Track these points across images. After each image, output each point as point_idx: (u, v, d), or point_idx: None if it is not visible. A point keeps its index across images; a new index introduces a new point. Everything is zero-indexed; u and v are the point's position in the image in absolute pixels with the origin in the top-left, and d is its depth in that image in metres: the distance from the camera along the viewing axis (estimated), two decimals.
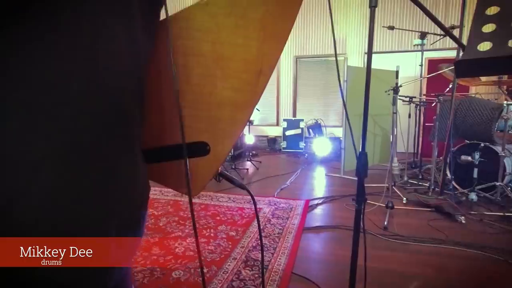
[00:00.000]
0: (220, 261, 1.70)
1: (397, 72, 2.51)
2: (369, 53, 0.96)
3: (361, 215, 1.02)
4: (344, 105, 1.19)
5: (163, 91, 0.49)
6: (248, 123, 5.33)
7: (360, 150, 0.99)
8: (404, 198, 2.83)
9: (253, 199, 0.63)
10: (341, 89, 0.98)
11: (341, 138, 5.88)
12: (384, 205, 2.55)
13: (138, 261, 1.68)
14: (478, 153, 2.56)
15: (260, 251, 1.80)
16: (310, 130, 5.71)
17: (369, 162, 4.00)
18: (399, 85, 2.54)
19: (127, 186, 0.41)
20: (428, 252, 1.92)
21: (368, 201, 2.88)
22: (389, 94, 2.46)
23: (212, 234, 2.07)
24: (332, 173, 4.17)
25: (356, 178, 3.82)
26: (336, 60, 0.90)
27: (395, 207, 2.55)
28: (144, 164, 0.46)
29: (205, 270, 1.59)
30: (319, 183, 3.73)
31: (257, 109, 5.28)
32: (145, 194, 0.47)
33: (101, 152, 0.36)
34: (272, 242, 1.96)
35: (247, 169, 4.37)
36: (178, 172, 0.52)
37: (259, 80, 0.46)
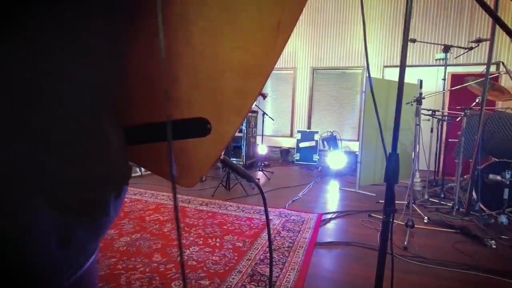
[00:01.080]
0: (224, 273, 1.57)
1: (420, 81, 2.37)
2: (405, 38, 0.85)
3: (389, 229, 0.88)
4: (376, 111, 1.08)
5: (152, 55, 0.40)
6: (262, 133, 5.24)
7: (391, 151, 0.86)
8: (425, 217, 2.63)
9: (263, 196, 0.52)
10: (374, 99, 0.87)
11: (356, 153, 5.71)
12: (404, 224, 2.37)
13: (137, 267, 1.58)
14: (509, 172, 2.36)
15: (268, 265, 1.66)
16: (325, 143, 5.56)
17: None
18: (422, 96, 2.40)
19: (79, 161, 0.30)
20: (453, 277, 1.73)
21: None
22: (412, 105, 2.32)
23: (217, 244, 1.95)
24: (346, 187, 3.99)
25: (372, 194, 3.65)
26: (368, 70, 0.80)
27: (415, 226, 2.37)
28: (117, 139, 0.36)
29: (207, 283, 1.47)
30: (332, 197, 3.56)
31: (271, 118, 5.19)
32: (115, 174, 0.36)
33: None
34: (282, 256, 1.82)
35: (258, 179, 4.25)
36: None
37: (277, 37, 0.36)
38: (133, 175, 3.96)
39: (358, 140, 6.13)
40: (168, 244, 1.91)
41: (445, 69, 4.26)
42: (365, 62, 5.81)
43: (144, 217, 2.40)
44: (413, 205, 2.82)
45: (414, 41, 4.11)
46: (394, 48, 5.79)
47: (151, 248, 1.84)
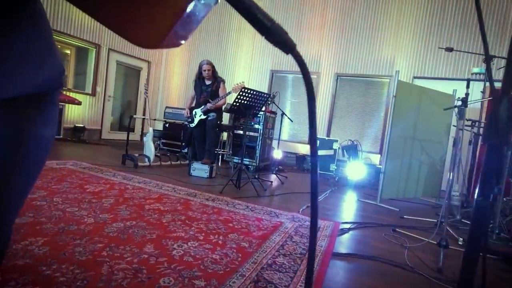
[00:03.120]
0: (224, 275, 1.32)
1: (468, 80, 2.08)
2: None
3: (486, 220, 0.60)
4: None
5: None
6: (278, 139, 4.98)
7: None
8: (460, 238, 2.29)
9: (305, 70, 0.27)
10: None
11: (378, 166, 5.35)
12: (436, 243, 2.04)
13: (124, 257, 1.36)
14: None
15: (277, 272, 1.40)
16: (345, 151, 5.23)
17: (411, 194, 3.42)
18: (467, 101, 2.10)
19: None
20: None
21: (414, 235, 2.39)
22: (457, 107, 2.01)
23: (220, 242, 1.71)
24: (365, 199, 3.67)
25: (395, 209, 3.27)
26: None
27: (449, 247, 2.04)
28: None
29: (202, 283, 1.22)
30: (350, 207, 3.24)
31: (290, 119, 4.94)
32: None
33: None
34: (293, 263, 1.55)
35: (271, 181, 3.99)
36: None
37: None
38: (140, 164, 3.79)
39: (379, 153, 5.78)
40: (164, 235, 1.68)
41: (485, 82, 3.93)
42: (394, 71, 5.49)
43: (144, 205, 2.19)
44: (443, 223, 2.48)
45: (451, 49, 3.80)
46: (425, 59, 5.46)
47: (144, 237, 1.62)
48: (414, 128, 3.60)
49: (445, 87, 4.96)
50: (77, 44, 6.13)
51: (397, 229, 2.44)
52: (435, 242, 2.07)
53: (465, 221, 2.90)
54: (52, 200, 2.04)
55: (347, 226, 2.44)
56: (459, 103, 1.96)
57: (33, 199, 1.99)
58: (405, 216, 2.95)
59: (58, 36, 5.66)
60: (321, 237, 2.01)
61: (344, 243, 2.06)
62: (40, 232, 1.51)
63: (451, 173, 1.96)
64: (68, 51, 6.36)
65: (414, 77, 5.54)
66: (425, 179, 3.79)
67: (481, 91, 3.84)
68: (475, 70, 5.12)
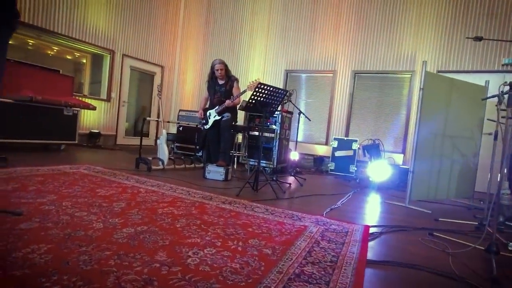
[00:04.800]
0: (246, 287, 1.14)
1: None
2: None
3: None
4: None
5: None
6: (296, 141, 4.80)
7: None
8: (510, 243, 2.02)
9: None
10: None
11: (401, 166, 5.05)
12: (483, 248, 1.80)
13: (133, 266, 1.20)
14: None
15: (307, 283, 1.21)
16: (366, 151, 4.97)
17: (443, 195, 3.11)
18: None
19: None
20: None
21: (454, 239, 2.14)
22: (503, 96, 1.77)
23: (240, 248, 1.53)
24: (392, 201, 3.41)
25: (427, 211, 2.97)
26: None
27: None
28: None
29: None
30: (377, 209, 3.00)
31: (308, 118, 4.73)
32: None
33: None
34: (323, 272, 1.35)
35: (290, 184, 3.79)
36: None
37: None
38: (154, 167, 3.68)
39: (402, 153, 5.48)
40: (178, 241, 1.52)
41: None
42: (417, 66, 5.20)
43: (156, 209, 2.04)
44: (488, 226, 2.21)
45: (480, 39, 3.51)
46: (450, 51, 5.15)
47: (156, 243, 1.46)
48: (444, 123, 3.33)
49: (475, 80, 4.64)
50: (92, 51, 6.17)
51: (434, 233, 2.19)
52: (482, 248, 1.82)
53: (509, 223, 2.61)
54: (61, 204, 1.93)
55: (377, 229, 2.22)
56: (507, 88, 1.72)
57: (41, 203, 1.89)
58: (440, 219, 2.69)
59: (74, 44, 5.71)
60: (351, 242, 1.80)
61: (376, 249, 1.84)
62: (45, 238, 1.38)
63: (500, 170, 1.72)
64: (84, 60, 6.43)
65: (438, 71, 5.23)
66: (457, 179, 3.49)
67: None
68: (506, 60, 4.77)
